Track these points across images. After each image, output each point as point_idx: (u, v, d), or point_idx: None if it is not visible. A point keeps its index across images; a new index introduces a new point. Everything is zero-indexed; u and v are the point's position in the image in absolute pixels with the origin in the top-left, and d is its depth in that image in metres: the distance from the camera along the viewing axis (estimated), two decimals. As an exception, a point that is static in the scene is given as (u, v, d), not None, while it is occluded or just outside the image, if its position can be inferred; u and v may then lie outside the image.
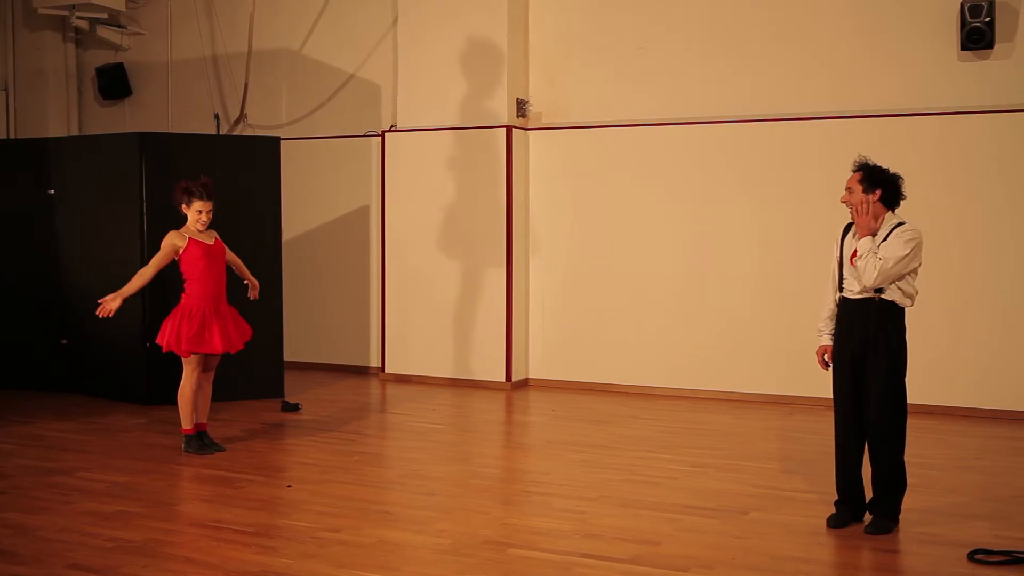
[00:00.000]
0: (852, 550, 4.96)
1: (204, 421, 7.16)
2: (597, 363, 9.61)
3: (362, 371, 10.65)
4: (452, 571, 4.64)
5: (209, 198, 6.94)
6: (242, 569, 4.62)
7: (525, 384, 9.88)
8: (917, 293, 5.27)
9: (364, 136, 10.67)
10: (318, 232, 10.90)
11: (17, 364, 9.51)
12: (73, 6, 11.24)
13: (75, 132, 12.19)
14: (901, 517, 5.27)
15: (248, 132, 11.23)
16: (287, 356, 9.43)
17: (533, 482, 6.32)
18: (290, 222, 10.18)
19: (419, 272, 9.98)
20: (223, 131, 11.40)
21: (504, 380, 9.61)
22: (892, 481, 5.21)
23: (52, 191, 9.29)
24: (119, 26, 11.88)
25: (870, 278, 5.10)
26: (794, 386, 8.87)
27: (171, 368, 8.67)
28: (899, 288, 5.19)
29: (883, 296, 5.19)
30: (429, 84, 9.93)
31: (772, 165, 8.96)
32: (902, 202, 5.28)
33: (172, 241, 6.91)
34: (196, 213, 6.92)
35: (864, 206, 5.20)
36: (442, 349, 9.91)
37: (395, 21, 10.37)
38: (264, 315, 8.94)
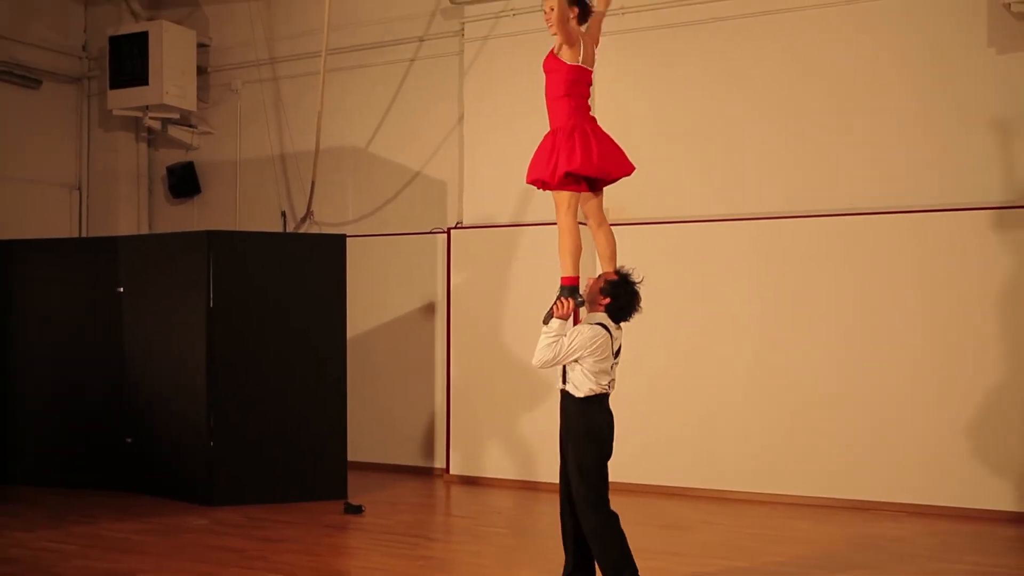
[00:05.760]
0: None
1: None
2: (666, 464, 9.33)
3: (426, 472, 10.45)
4: None
5: None
6: None
7: (593, 486, 9.61)
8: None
9: (430, 233, 10.65)
10: (383, 329, 10.83)
11: (81, 462, 9.47)
12: (147, 107, 11.47)
13: (145, 230, 12.35)
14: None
15: (315, 229, 11.28)
16: (350, 456, 9.28)
17: (604, 592, 6.06)
18: (355, 319, 10.11)
19: (485, 371, 9.84)
20: (290, 228, 11.46)
21: (571, 481, 9.36)
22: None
23: (121, 289, 9.35)
24: (190, 126, 12.09)
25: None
26: (876, 491, 8.54)
27: (236, 468, 8.62)
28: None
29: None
30: (495, 181, 9.91)
31: (847, 261, 8.74)
32: None
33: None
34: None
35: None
36: (508, 450, 9.71)
37: (461, 119, 10.42)
38: (327, 414, 8.88)
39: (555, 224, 6.23)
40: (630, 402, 9.46)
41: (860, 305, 8.69)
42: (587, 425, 5.73)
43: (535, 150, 6.02)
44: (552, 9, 5.75)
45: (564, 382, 5.85)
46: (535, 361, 5.70)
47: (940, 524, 8.01)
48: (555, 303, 5.80)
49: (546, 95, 6.01)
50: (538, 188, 6.16)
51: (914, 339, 8.50)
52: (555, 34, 5.83)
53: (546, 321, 5.75)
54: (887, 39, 8.82)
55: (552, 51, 5.92)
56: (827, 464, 8.73)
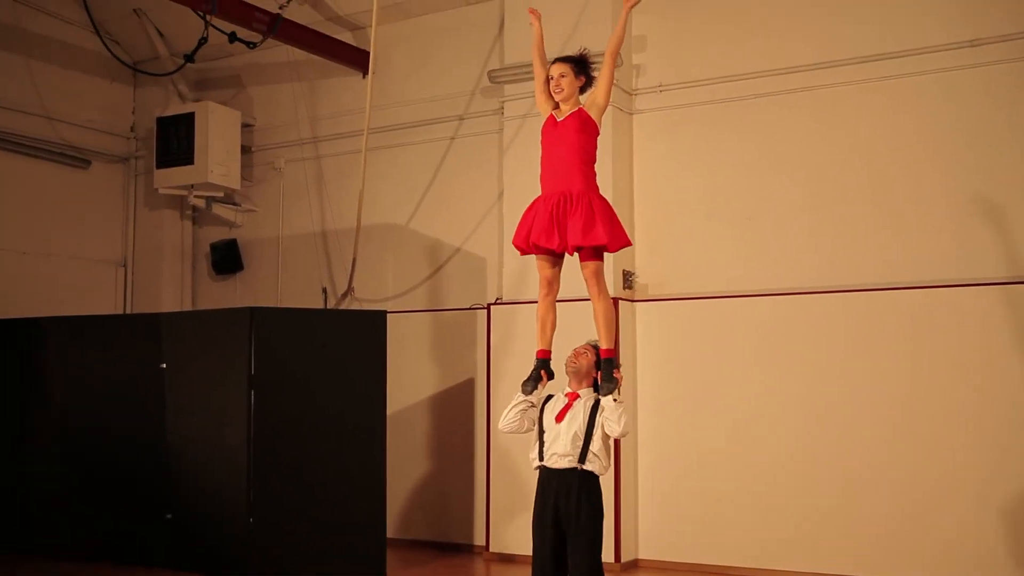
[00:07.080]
0: None
1: None
2: (711, 543, 9.19)
3: (466, 549, 10.34)
4: None
5: None
6: None
7: (635, 565, 9.48)
8: None
9: (470, 309, 10.68)
10: (423, 405, 10.82)
11: (121, 538, 9.46)
12: (192, 186, 11.67)
13: (188, 306, 12.49)
14: None
15: (355, 305, 11.35)
16: (389, 532, 9.22)
17: (648, 675, 5.95)
18: (395, 395, 10.09)
19: (526, 447, 9.74)
20: (330, 305, 11.54)
21: (613, 560, 9.20)
22: None
23: (164, 365, 9.42)
24: (234, 204, 12.26)
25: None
26: (922, 571, 8.35)
27: (275, 544, 8.57)
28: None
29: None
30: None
31: (889, 335, 8.65)
32: None
33: None
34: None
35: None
36: (548, 527, 9.59)
37: (500, 195, 10.50)
38: (367, 490, 8.84)
39: (588, 300, 6.32)
40: (677, 480, 9.38)
41: (906, 382, 8.56)
42: (602, 508, 5.59)
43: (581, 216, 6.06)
44: (563, 76, 5.84)
45: (583, 461, 5.58)
46: (625, 430, 5.52)
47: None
48: (615, 373, 5.75)
49: (578, 156, 5.99)
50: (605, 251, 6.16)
51: (964, 417, 8.33)
52: (564, 100, 5.93)
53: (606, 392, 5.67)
54: (926, 115, 8.81)
55: (583, 110, 5.94)
56: (871, 543, 8.54)
